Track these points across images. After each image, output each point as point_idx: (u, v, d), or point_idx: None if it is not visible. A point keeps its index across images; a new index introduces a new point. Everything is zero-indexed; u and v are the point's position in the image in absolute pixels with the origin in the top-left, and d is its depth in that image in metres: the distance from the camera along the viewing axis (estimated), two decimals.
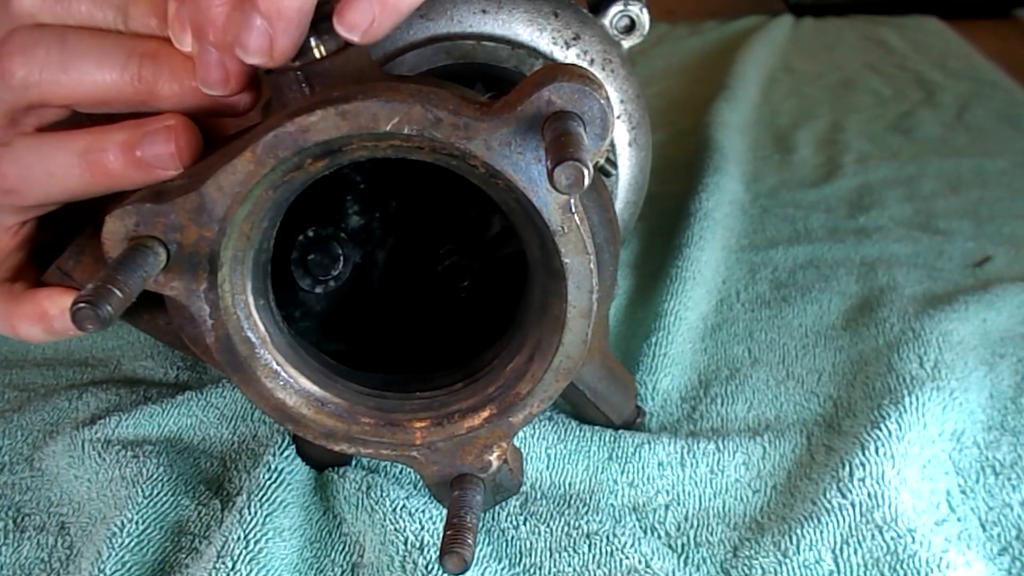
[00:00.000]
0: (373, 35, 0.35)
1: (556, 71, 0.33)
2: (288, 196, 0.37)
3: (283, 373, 0.39)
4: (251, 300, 0.38)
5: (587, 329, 0.37)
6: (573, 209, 0.35)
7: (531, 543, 0.43)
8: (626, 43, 0.54)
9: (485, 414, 0.40)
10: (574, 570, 0.41)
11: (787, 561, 0.41)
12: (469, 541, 0.37)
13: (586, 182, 0.29)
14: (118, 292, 0.31)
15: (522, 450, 0.48)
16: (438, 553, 0.37)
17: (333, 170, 0.37)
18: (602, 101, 0.32)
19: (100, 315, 0.30)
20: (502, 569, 0.42)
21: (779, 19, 1.51)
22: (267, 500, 0.43)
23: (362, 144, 0.35)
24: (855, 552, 0.41)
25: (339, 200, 0.46)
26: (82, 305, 0.30)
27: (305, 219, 0.45)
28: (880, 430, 0.46)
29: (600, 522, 0.43)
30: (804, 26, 1.53)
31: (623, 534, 0.42)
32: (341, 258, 0.46)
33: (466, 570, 0.36)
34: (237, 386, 0.39)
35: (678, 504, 0.46)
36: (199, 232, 0.35)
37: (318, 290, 0.46)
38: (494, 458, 0.41)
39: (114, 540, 0.42)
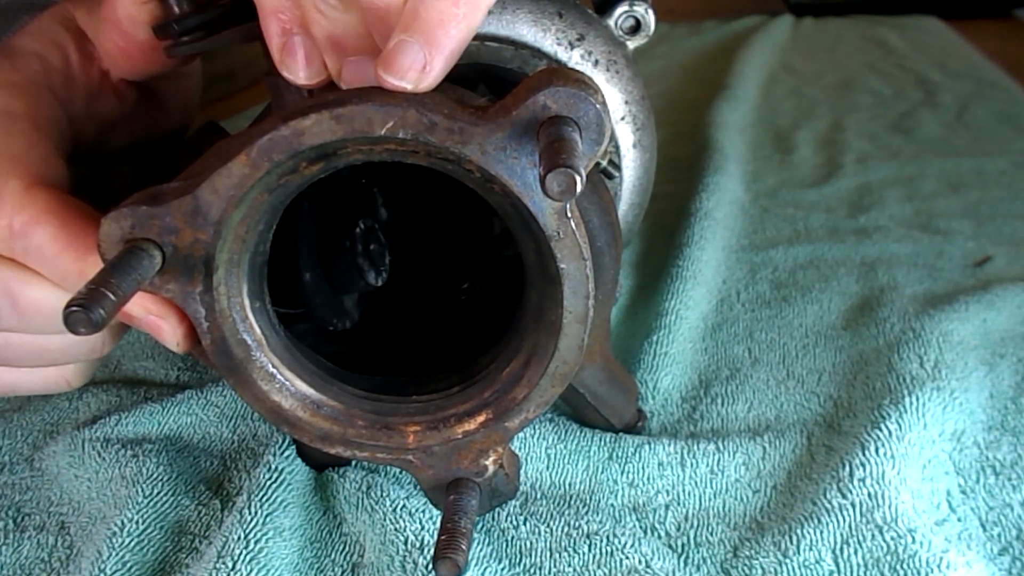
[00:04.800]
0: (427, 83, 0.34)
1: (552, 75, 0.33)
2: (284, 199, 0.37)
3: (279, 376, 0.39)
4: (247, 303, 0.38)
5: (583, 334, 0.37)
6: (569, 214, 0.34)
7: (531, 543, 0.43)
8: (631, 44, 0.53)
9: (481, 419, 0.40)
10: (574, 570, 0.41)
11: (787, 561, 0.41)
12: (463, 546, 0.37)
13: (578, 189, 0.29)
14: (111, 296, 0.31)
15: (522, 450, 0.48)
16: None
17: (329, 173, 0.36)
18: (598, 106, 0.32)
19: (92, 319, 0.30)
20: (502, 569, 0.42)
21: (779, 19, 1.52)
22: (267, 500, 0.43)
23: (357, 148, 0.35)
24: (855, 552, 0.41)
25: (367, 194, 0.45)
26: (74, 308, 0.30)
27: (308, 220, 0.45)
28: (880, 430, 0.46)
29: (600, 522, 0.43)
30: (804, 26, 1.53)
31: (623, 534, 0.42)
32: (386, 247, 0.46)
33: (460, 575, 0.36)
34: (233, 388, 0.39)
35: (678, 504, 0.45)
36: (194, 235, 0.35)
37: (380, 282, 0.45)
38: (490, 463, 0.41)
39: (114, 540, 0.42)
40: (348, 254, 0.44)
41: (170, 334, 0.38)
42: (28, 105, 0.42)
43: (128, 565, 0.42)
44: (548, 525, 0.43)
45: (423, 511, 0.43)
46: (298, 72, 0.36)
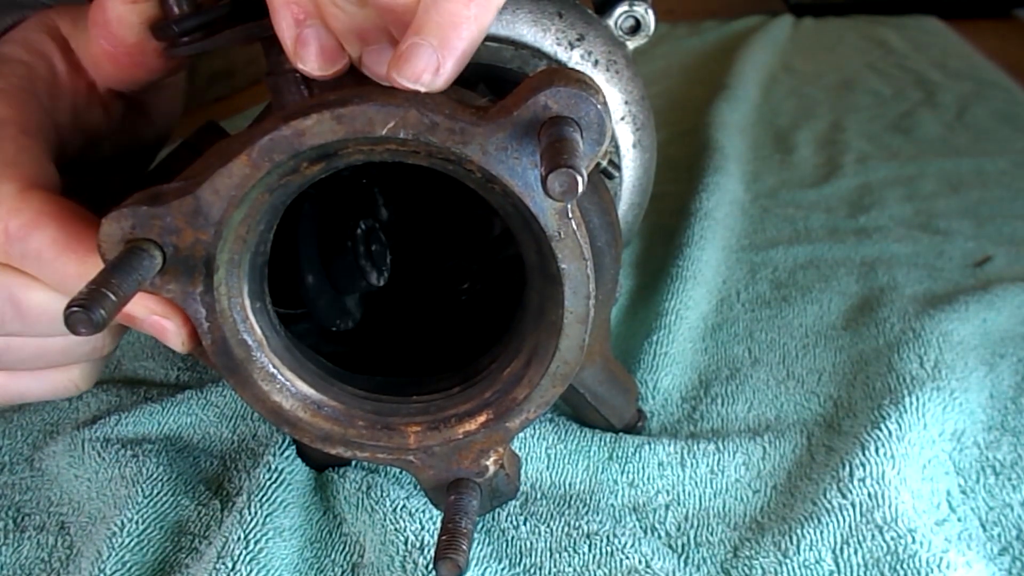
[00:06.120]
0: (439, 84, 0.33)
1: (553, 75, 0.33)
2: (285, 199, 0.37)
3: (280, 376, 0.39)
4: (247, 303, 0.38)
5: (584, 335, 0.37)
6: (570, 214, 0.34)
7: (531, 543, 0.43)
8: (631, 44, 0.53)
9: (481, 419, 0.40)
10: (574, 570, 0.41)
11: (787, 561, 0.41)
12: (464, 546, 0.37)
13: (580, 189, 0.29)
14: (112, 296, 0.31)
15: (522, 450, 0.48)
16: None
17: (330, 173, 0.36)
18: (599, 106, 0.32)
19: (93, 319, 0.30)
20: (502, 569, 0.42)
21: (779, 19, 1.52)
22: (267, 500, 0.43)
23: (358, 148, 0.35)
24: (855, 552, 0.41)
25: (367, 194, 0.45)
26: (75, 309, 0.30)
27: (308, 221, 0.45)
28: (880, 430, 0.46)
29: (600, 522, 0.43)
30: (804, 26, 1.53)
31: (623, 534, 0.42)
32: (388, 247, 0.45)
33: (462, 574, 0.36)
34: (233, 389, 0.39)
35: (678, 504, 0.45)
36: (195, 235, 0.35)
37: (382, 282, 0.45)
38: (491, 463, 0.41)
39: (114, 540, 0.42)
40: (350, 255, 0.44)
41: (175, 335, 0.38)
42: (16, 111, 0.41)
43: (128, 565, 0.42)
44: (548, 525, 0.43)
45: (423, 511, 0.43)
46: (312, 63, 0.36)
